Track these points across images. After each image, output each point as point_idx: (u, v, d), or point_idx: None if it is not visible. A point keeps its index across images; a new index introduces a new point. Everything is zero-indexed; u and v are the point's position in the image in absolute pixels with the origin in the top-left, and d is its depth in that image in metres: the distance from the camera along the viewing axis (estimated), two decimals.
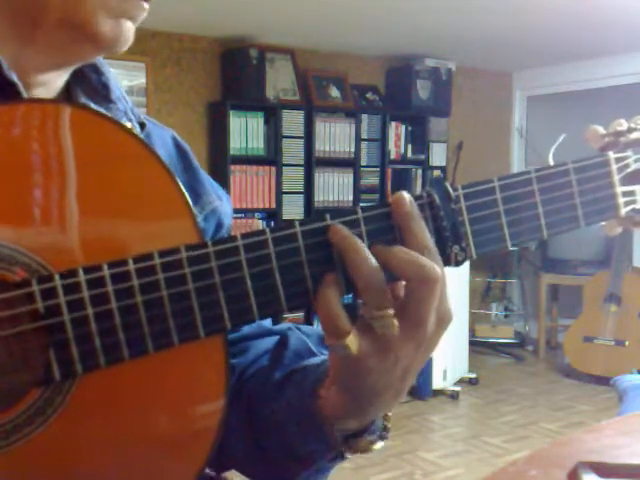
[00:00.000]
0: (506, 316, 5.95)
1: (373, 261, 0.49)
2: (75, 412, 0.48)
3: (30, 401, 0.48)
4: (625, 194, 0.58)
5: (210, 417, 0.51)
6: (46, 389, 0.48)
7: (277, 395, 0.63)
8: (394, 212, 0.51)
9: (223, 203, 0.75)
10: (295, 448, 0.60)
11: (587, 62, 5.39)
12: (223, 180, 4.52)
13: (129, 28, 0.60)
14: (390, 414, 0.59)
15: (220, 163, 4.60)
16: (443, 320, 0.51)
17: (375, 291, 0.49)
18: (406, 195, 0.51)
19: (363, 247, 0.49)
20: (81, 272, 0.46)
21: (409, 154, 5.30)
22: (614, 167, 0.58)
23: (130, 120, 0.66)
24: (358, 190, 4.99)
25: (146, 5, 0.60)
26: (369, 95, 5.24)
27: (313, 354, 0.67)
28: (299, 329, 0.71)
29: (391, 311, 0.49)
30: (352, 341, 0.49)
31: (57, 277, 0.46)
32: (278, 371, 0.65)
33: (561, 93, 5.72)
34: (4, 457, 0.47)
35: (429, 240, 0.51)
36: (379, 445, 0.58)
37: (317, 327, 0.62)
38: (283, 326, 0.72)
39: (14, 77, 0.56)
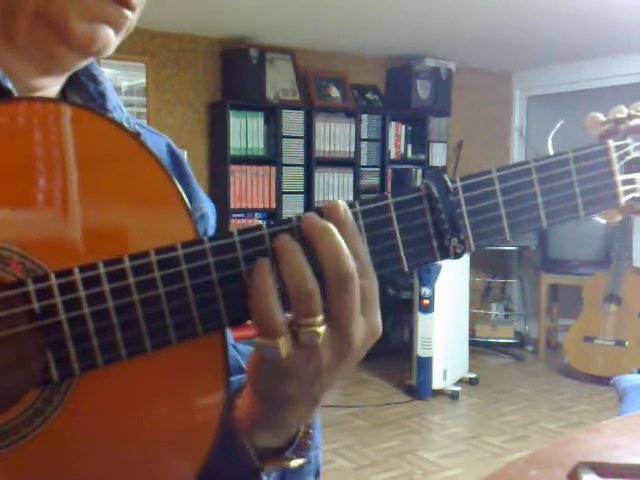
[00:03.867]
0: (506, 316, 5.95)
1: (307, 267, 0.47)
2: (74, 412, 0.48)
3: (28, 402, 0.47)
4: (625, 182, 0.57)
5: (210, 411, 0.51)
6: (44, 389, 0.47)
7: None
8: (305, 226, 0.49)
9: (209, 213, 0.75)
10: (212, 470, 0.57)
11: (587, 62, 5.39)
12: (223, 180, 4.53)
13: (107, 34, 0.57)
14: (311, 431, 0.57)
15: (220, 163, 4.60)
16: (371, 334, 0.50)
17: (304, 296, 0.47)
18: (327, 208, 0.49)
19: (297, 250, 0.47)
20: (76, 271, 0.46)
21: (409, 154, 5.31)
22: (614, 155, 0.57)
23: None
24: (358, 190, 4.99)
25: (127, 12, 0.57)
26: (369, 95, 5.24)
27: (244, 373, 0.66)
28: (235, 347, 0.69)
29: (320, 318, 0.47)
30: (284, 343, 0.47)
31: (52, 276, 0.46)
32: None
33: (561, 93, 5.72)
34: (3, 458, 0.47)
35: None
36: (295, 463, 0.56)
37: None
38: None
39: (9, 84, 0.55)
